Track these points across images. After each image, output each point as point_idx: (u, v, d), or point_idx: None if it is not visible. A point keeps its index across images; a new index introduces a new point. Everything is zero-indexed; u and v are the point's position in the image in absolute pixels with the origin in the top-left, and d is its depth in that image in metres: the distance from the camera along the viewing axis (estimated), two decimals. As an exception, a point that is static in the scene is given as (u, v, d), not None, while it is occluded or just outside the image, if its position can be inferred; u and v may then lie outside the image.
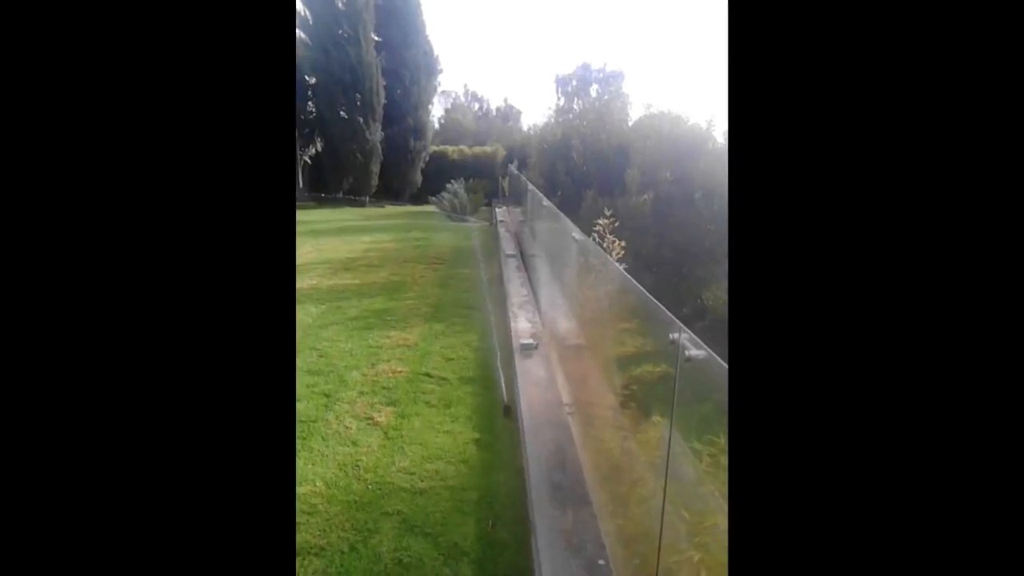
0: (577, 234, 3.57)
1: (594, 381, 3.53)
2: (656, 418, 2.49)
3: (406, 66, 18.11)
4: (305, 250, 9.68)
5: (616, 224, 4.57)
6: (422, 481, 3.10)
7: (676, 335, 1.66)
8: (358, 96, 16.58)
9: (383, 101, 17.24)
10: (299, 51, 16.71)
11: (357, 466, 3.23)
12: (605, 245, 4.43)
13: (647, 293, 1.97)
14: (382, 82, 17.11)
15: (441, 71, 19.58)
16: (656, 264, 6.33)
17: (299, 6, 16.20)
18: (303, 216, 14.80)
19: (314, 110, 17.80)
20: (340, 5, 16.14)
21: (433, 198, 16.29)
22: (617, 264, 2.79)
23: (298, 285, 7.23)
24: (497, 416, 3.84)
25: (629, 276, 2.26)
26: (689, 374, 1.64)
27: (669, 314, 1.79)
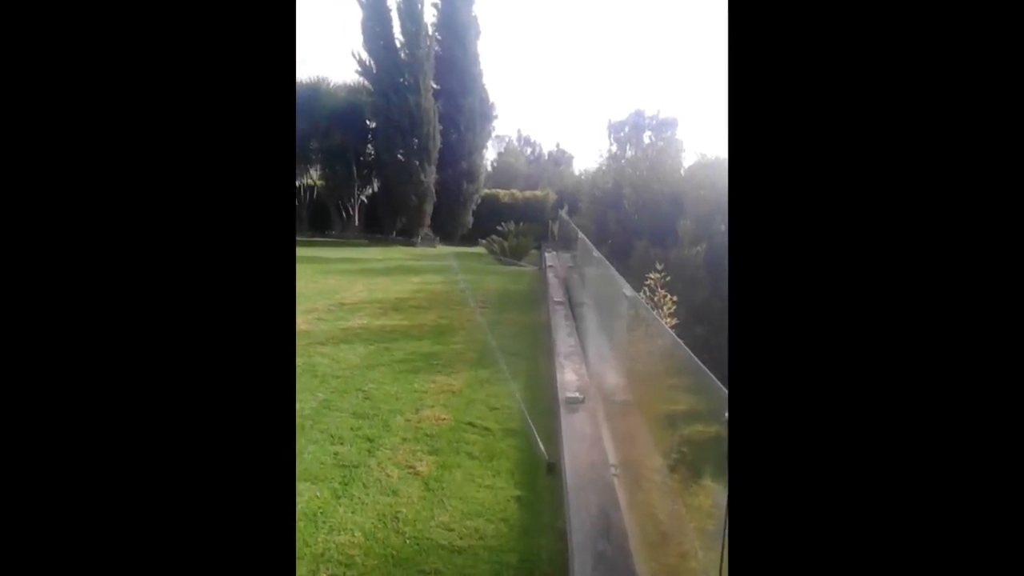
0: (628, 291, 3.51)
1: (642, 441, 3.40)
2: (708, 483, 2.36)
3: (462, 113, 18.71)
4: (357, 288, 9.92)
5: (667, 278, 4.49)
6: (461, 539, 3.03)
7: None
8: (415, 140, 17.18)
9: (439, 145, 17.80)
10: (362, 97, 17.60)
11: (396, 518, 3.18)
12: (656, 299, 4.35)
13: (701, 364, 1.89)
14: (439, 127, 17.69)
15: (496, 117, 20.12)
16: (709, 317, 6.17)
17: (364, 56, 17.10)
18: (357, 254, 15.23)
19: (373, 152, 18.60)
20: (403, 56, 16.94)
21: (483, 240, 16.50)
22: (668, 328, 2.71)
23: (348, 324, 7.39)
24: (540, 473, 3.75)
25: (681, 343, 2.18)
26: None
27: (724, 389, 1.71)
